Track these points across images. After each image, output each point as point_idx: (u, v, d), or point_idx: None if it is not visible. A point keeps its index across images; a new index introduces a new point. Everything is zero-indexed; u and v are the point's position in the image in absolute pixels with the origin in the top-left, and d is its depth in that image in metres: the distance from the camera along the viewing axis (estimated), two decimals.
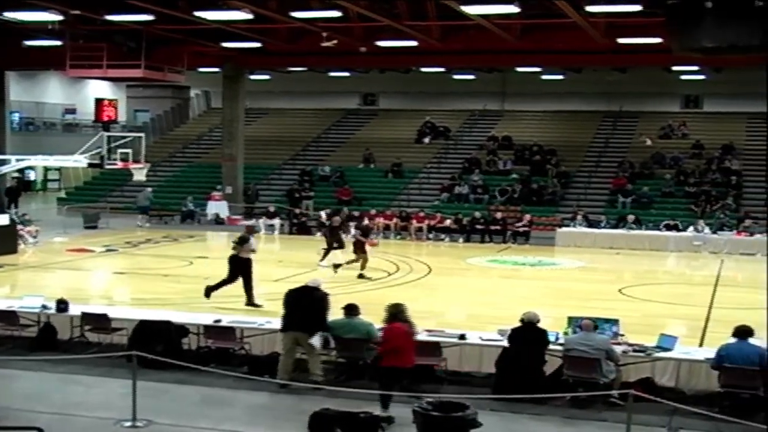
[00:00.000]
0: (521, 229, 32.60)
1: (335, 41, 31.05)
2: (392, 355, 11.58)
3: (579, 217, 33.43)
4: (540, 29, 29.89)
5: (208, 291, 18.30)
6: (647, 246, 31.10)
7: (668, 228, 32.31)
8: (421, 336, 13.77)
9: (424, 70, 41.24)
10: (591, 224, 33.18)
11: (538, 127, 43.28)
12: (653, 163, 38.47)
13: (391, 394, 11.44)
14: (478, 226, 33.05)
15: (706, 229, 31.53)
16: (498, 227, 32.97)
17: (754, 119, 41.08)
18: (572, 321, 13.53)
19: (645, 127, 41.74)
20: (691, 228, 31.83)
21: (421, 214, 34.25)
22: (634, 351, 13.02)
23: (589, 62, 36.38)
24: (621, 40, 28.82)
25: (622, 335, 13.61)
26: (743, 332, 12.22)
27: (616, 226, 32.93)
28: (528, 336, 12.76)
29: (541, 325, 12.98)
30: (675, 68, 37.76)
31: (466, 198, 37.29)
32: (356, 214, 33.23)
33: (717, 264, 27.66)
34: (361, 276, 23.15)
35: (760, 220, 32.52)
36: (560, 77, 41.55)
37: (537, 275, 25.91)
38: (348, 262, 23.74)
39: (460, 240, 32.80)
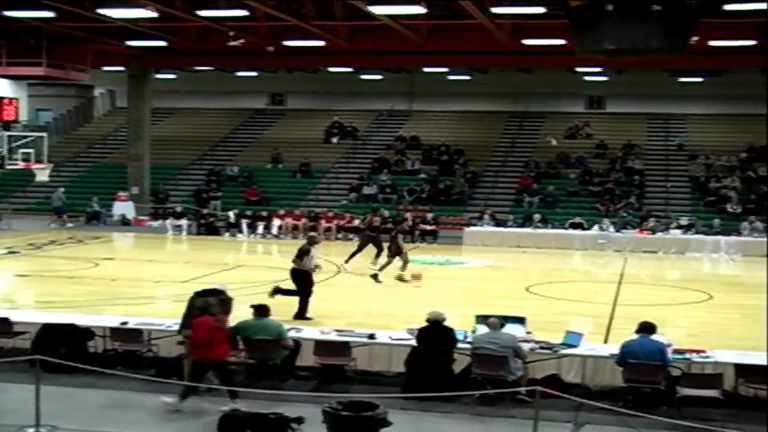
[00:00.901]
0: (429, 229, 32.85)
1: (242, 40, 30.83)
2: (200, 349, 11.81)
3: (486, 216, 33.80)
4: (446, 30, 30.10)
5: (274, 293, 17.14)
6: (553, 244, 31.60)
7: (573, 227, 32.87)
8: (331, 336, 13.80)
9: (332, 70, 41.19)
10: (498, 223, 33.59)
11: (445, 128, 43.59)
12: (559, 163, 39.08)
13: (196, 386, 11.73)
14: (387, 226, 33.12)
15: (611, 228, 32.18)
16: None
17: (654, 119, 42.11)
18: (480, 319, 13.66)
19: (550, 128, 42.39)
20: (595, 227, 32.45)
21: (330, 214, 34.26)
22: (541, 348, 13.20)
23: (495, 63, 36.77)
24: (526, 42, 29.19)
25: (530, 333, 13.79)
26: (646, 328, 12.49)
27: (522, 225, 33.38)
28: (435, 335, 12.84)
29: (449, 323, 13.08)
30: (579, 69, 38.38)
31: (374, 198, 37.37)
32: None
33: (621, 262, 28.25)
34: (375, 276, 22.74)
35: (662, 218, 33.33)
36: (467, 78, 41.89)
37: (445, 274, 26.07)
38: (381, 267, 23.15)
39: None
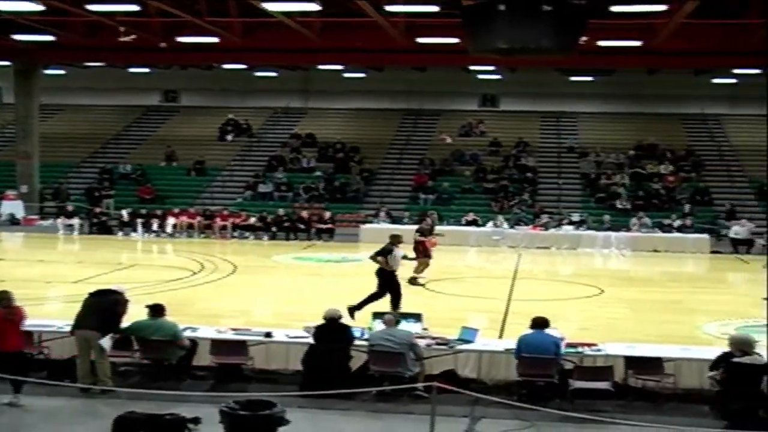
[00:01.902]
0: (325, 227, 32.87)
1: (134, 36, 30.24)
2: None
3: (382, 213, 33.96)
4: (341, 28, 30.10)
5: (352, 311, 16.07)
6: (449, 241, 31.78)
7: (469, 223, 33.26)
8: (227, 335, 13.69)
9: (226, 67, 40.79)
10: (394, 220, 33.76)
11: (341, 125, 43.58)
12: (453, 161, 39.44)
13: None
14: (283, 224, 33.12)
15: (505, 225, 32.66)
16: (303, 225, 33.13)
17: (546, 118, 42.81)
18: (376, 316, 13.71)
19: (445, 125, 42.73)
20: (490, 223, 32.89)
21: (225, 213, 34.00)
22: (437, 344, 13.31)
23: (390, 61, 36.87)
24: (420, 40, 29.37)
25: (426, 329, 13.90)
26: (539, 324, 12.71)
27: (418, 222, 33.53)
28: (332, 333, 12.85)
29: (346, 321, 13.10)
30: (472, 68, 38.78)
31: (270, 196, 37.17)
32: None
33: (515, 258, 28.69)
34: (413, 281, 22.06)
35: (554, 215, 33.95)
36: (362, 75, 41.97)
37: (342, 272, 26.13)
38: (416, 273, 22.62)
39: (265, 238, 32.78)
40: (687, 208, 34.65)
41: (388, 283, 17.26)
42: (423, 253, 22.81)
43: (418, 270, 22.51)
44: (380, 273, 17.44)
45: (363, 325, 13.70)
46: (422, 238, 23.19)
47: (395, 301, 17.05)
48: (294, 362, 13.20)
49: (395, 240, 18.34)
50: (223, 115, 43.61)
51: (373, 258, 17.73)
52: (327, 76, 42.39)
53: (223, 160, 40.80)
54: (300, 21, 28.15)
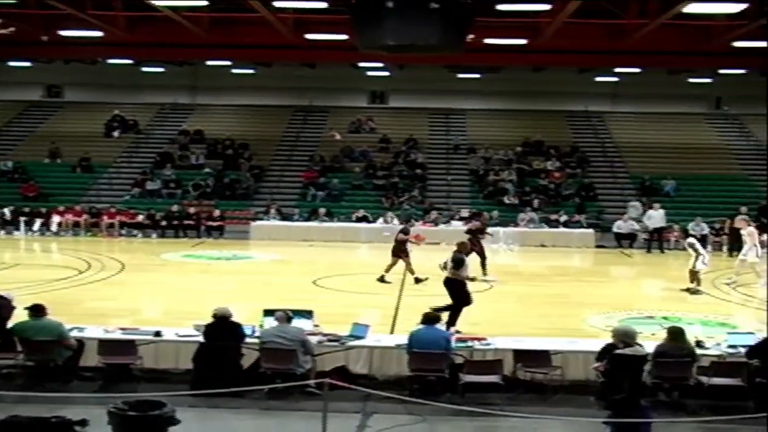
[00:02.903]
0: (215, 224, 32.59)
1: (12, 29, 29.38)
2: None
3: (272, 210, 33.82)
4: (229, 23, 29.81)
5: (449, 326, 15.59)
6: (340, 238, 31.96)
7: (359, 220, 33.36)
8: (115, 334, 13.47)
9: (111, 61, 39.98)
10: (284, 217, 33.69)
11: (230, 121, 43.17)
12: (343, 157, 39.49)
13: None
14: (172, 222, 32.71)
15: (395, 221, 32.81)
16: (192, 222, 32.78)
17: (435, 114, 43.18)
18: (267, 313, 13.64)
19: (334, 122, 42.73)
20: (380, 219, 33.04)
21: (113, 210, 33.38)
22: (329, 341, 13.34)
23: (278, 57, 36.66)
24: (309, 36, 29.28)
25: (317, 326, 13.90)
26: (430, 319, 12.83)
27: (308, 219, 33.61)
28: (223, 331, 12.75)
29: (237, 318, 13.01)
30: (361, 65, 38.86)
31: (158, 193, 36.62)
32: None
33: None
34: (417, 280, 22.23)
35: (443, 211, 34.29)
36: (251, 71, 41.64)
37: (232, 269, 25.95)
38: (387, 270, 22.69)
39: (154, 236, 32.35)
40: (578, 205, 35.33)
41: (457, 293, 16.53)
42: (401, 252, 22.90)
43: (410, 270, 22.80)
44: (450, 283, 16.68)
45: (254, 322, 13.61)
46: (405, 237, 23.27)
47: (456, 310, 16.37)
48: (184, 361, 13.06)
49: (464, 248, 17.53)
50: (109, 111, 42.74)
51: (452, 271, 16.71)
52: (215, 72, 41.91)
53: (109, 157, 40.01)
54: (187, 16, 27.77)
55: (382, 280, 22.48)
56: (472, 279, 17.22)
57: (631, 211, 33.59)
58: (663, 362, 12.13)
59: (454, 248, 17.29)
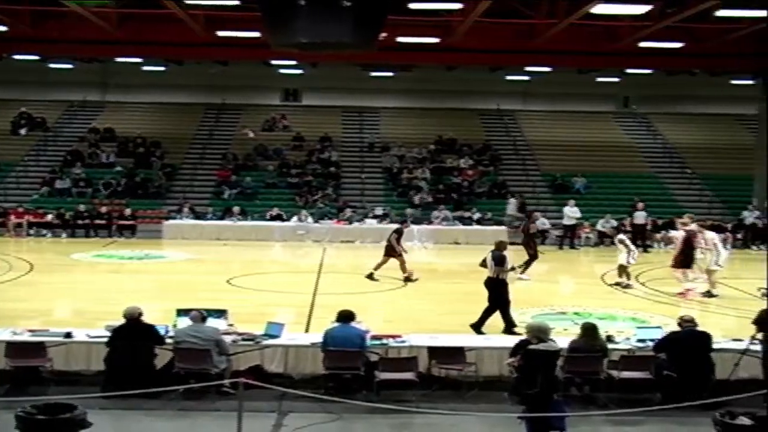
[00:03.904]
0: (127, 223, 32.14)
1: None
2: None
3: (185, 209, 33.48)
4: (139, 20, 29.41)
5: (476, 328, 15.67)
6: (253, 237, 31.78)
7: (273, 218, 33.22)
8: (23, 336, 13.21)
9: (17, 57, 39.06)
10: (198, 216, 33.38)
11: (141, 119, 42.59)
12: (256, 155, 39.26)
13: None
14: (82, 221, 32.17)
15: (309, 219, 32.78)
16: (103, 221, 32.30)
17: (348, 112, 43.20)
18: (181, 313, 13.51)
19: (248, 120, 42.45)
20: (294, 218, 32.95)
21: (21, 210, 32.67)
22: (244, 340, 13.27)
23: (190, 55, 36.23)
24: (221, 34, 29.05)
25: (232, 325, 13.80)
26: (345, 317, 12.84)
27: (222, 218, 33.35)
28: (135, 331, 12.59)
29: (150, 318, 12.86)
30: (274, 62, 38.68)
31: (68, 192, 35.95)
32: None
33: (320, 252, 28.85)
34: (407, 279, 22.49)
35: (358, 209, 34.33)
36: (162, 69, 41.13)
37: (145, 269, 25.63)
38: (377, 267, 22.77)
39: (64, 235, 31.77)
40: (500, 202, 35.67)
41: (500, 292, 16.52)
42: (394, 251, 22.93)
43: (403, 269, 22.83)
44: (491, 283, 16.66)
45: (167, 322, 13.46)
46: (397, 237, 23.24)
47: (506, 313, 16.34)
48: (96, 363, 12.86)
49: (503, 246, 17.41)
50: (16, 108, 41.78)
51: (495, 269, 16.72)
52: (126, 69, 41.28)
53: (16, 155, 39.11)
54: (96, 12, 27.30)
55: (370, 277, 22.71)
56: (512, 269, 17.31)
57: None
58: (575, 357, 12.35)
59: (492, 247, 17.35)
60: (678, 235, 22.52)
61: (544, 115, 43.35)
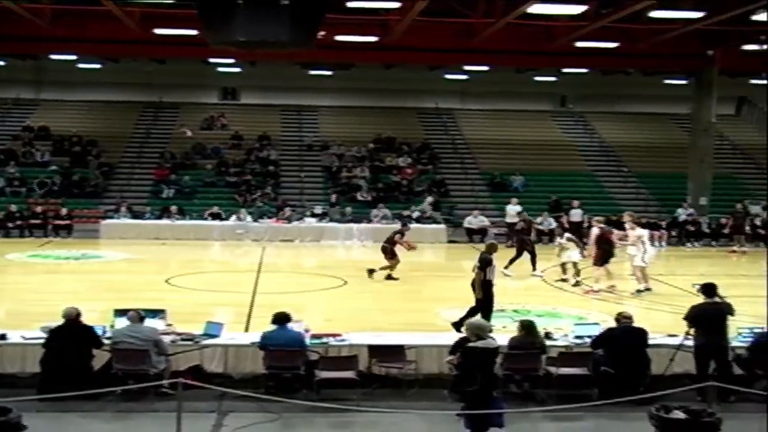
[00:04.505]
0: (63, 223, 31.73)
1: None
2: None
3: (123, 208, 33.13)
4: (73, 16, 29.03)
5: (458, 328, 14.96)
6: (192, 236, 31.56)
7: (212, 217, 33.01)
8: None
9: None
10: (135, 215, 33.05)
11: (77, 118, 42.01)
12: (195, 154, 38.97)
13: None
14: (13, 223, 31.69)
15: (248, 218, 32.64)
16: (38, 221, 31.82)
17: (287, 111, 43.09)
18: (118, 313, 13.36)
19: (186, 118, 42.11)
20: (233, 217, 32.78)
21: None
22: (183, 340, 13.17)
23: (126, 52, 35.79)
24: (157, 31, 28.79)
25: (170, 325, 13.70)
26: (280, 319, 12.74)
27: (160, 217, 33.06)
28: (72, 332, 12.43)
29: (88, 319, 12.70)
30: (212, 60, 38.44)
31: (1, 191, 35.35)
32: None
33: (259, 251, 28.74)
34: (389, 277, 22.78)
35: (297, 208, 34.25)
36: (98, 66, 40.61)
37: (82, 269, 25.33)
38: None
39: None
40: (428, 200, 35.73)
41: (486, 295, 16.43)
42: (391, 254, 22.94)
43: (392, 269, 22.87)
44: (482, 284, 16.58)
45: (105, 322, 13.31)
46: (400, 239, 23.26)
47: (485, 313, 16.05)
48: (32, 364, 12.67)
49: (493, 249, 17.48)
50: None
51: (479, 271, 16.62)
52: (60, 67, 40.67)
53: None
54: (28, 7, 26.87)
55: (390, 277, 22.70)
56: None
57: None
58: (514, 354, 12.47)
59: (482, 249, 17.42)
60: (592, 233, 22.86)
61: (482, 114, 43.63)
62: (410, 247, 23.70)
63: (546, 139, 41.93)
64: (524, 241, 25.22)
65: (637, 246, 21.34)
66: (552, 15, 27.53)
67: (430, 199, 35.18)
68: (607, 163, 40.80)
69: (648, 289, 21.21)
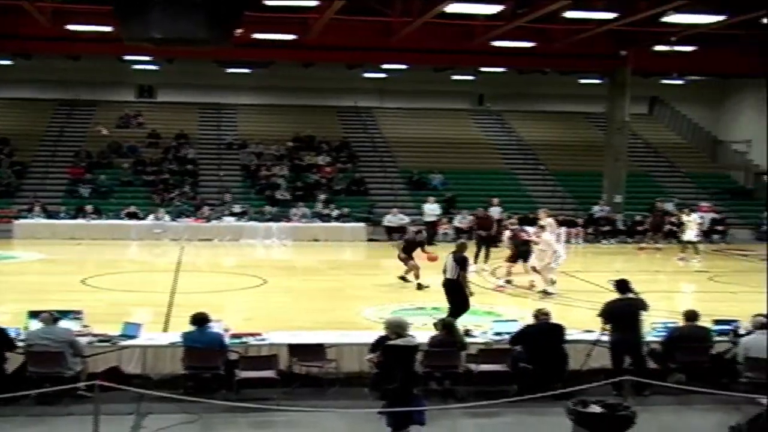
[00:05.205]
0: None
1: None
2: None
3: (37, 208, 32.53)
4: None
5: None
6: (109, 235, 31.12)
7: (129, 217, 32.58)
8: None
9: None
10: (50, 215, 32.49)
11: None
12: (111, 153, 38.41)
13: None
14: None
15: (166, 217, 32.31)
16: None
17: (205, 109, 42.73)
18: (32, 315, 13.10)
19: (101, 116, 41.46)
20: (151, 216, 32.40)
21: None
22: (100, 341, 12.97)
23: (37, 48, 34.91)
24: (71, 27, 28.27)
25: (87, 326, 13.47)
26: (198, 320, 12.57)
27: (75, 217, 32.52)
28: None
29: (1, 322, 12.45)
30: (128, 58, 37.89)
31: None
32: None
33: (178, 250, 28.45)
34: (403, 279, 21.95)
35: (216, 207, 33.98)
36: (9, 63, 39.70)
37: None
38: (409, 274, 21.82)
39: None
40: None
41: (460, 294, 16.58)
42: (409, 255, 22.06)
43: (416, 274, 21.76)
44: (450, 285, 16.76)
45: (18, 324, 13.05)
46: (420, 241, 22.73)
47: (459, 312, 16.08)
48: None
49: (464, 248, 17.49)
50: None
51: (461, 275, 16.73)
52: None
53: None
54: None
55: (419, 287, 21.26)
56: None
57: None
58: (434, 352, 12.54)
59: (453, 250, 17.37)
60: (505, 235, 23.13)
61: (401, 113, 43.80)
62: (431, 259, 21.36)
63: (464, 137, 42.28)
64: (480, 236, 25.23)
65: (546, 250, 21.07)
66: (469, 14, 27.80)
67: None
68: (525, 161, 41.29)
69: (548, 294, 20.59)
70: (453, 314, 15.73)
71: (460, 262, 16.85)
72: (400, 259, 22.17)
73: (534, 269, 21.56)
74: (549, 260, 21.01)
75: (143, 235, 31.36)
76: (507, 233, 22.92)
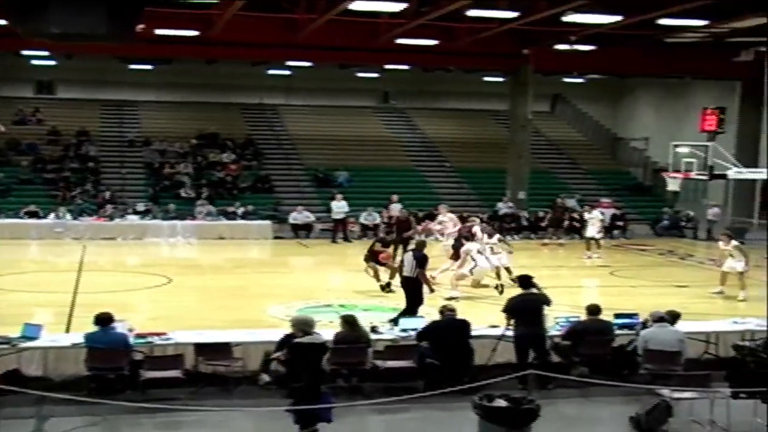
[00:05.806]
0: None
1: None
2: None
3: None
4: None
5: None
6: (8, 234, 30.34)
7: (29, 216, 31.87)
8: None
9: None
10: None
11: None
12: (9, 150, 37.50)
13: None
14: None
15: (67, 216, 31.69)
16: None
17: (107, 106, 42.04)
18: None
19: None
20: (52, 215, 31.75)
21: None
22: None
23: None
24: None
25: None
26: (102, 320, 12.38)
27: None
28: None
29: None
30: (25, 53, 37.00)
31: None
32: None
33: (80, 250, 27.91)
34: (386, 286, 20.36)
35: (118, 205, 33.44)
36: None
37: None
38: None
39: None
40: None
41: (418, 291, 16.70)
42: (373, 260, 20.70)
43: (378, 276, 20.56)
44: (408, 283, 16.90)
45: None
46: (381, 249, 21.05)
47: (413, 311, 16.14)
48: None
49: (423, 246, 17.79)
50: None
51: (419, 273, 16.90)
52: None
53: None
54: None
55: (386, 287, 20.36)
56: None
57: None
58: (340, 349, 12.55)
59: (412, 247, 17.67)
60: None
61: (306, 110, 43.73)
62: (387, 259, 20.77)
63: (369, 134, 42.43)
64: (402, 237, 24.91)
65: (467, 259, 20.40)
66: (374, 12, 27.91)
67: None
68: (430, 158, 41.59)
69: (454, 299, 19.14)
70: (409, 311, 15.99)
71: (419, 260, 17.03)
72: (372, 266, 20.72)
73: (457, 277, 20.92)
74: (465, 267, 20.43)
75: (44, 235, 30.69)
76: (419, 228, 23.07)
